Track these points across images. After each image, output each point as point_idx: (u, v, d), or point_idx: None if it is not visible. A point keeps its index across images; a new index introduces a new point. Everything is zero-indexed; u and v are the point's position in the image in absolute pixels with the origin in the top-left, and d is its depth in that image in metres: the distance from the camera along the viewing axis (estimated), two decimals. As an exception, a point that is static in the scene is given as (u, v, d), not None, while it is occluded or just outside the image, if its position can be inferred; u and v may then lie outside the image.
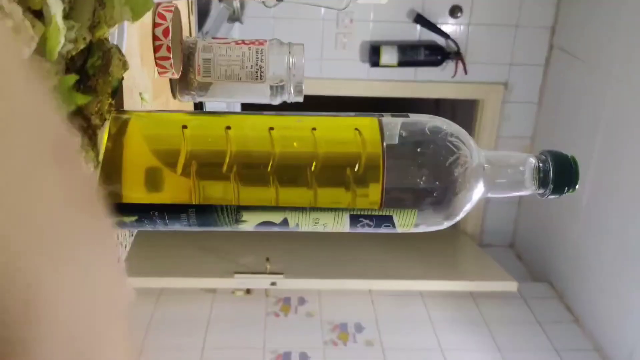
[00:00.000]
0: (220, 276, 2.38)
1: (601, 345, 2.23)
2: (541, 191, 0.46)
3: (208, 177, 0.42)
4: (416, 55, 2.55)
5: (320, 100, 1.82)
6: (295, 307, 2.39)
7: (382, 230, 0.45)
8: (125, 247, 0.61)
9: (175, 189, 0.42)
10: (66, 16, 0.32)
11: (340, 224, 0.44)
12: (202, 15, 1.38)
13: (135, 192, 0.42)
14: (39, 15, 0.29)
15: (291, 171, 0.42)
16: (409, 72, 2.63)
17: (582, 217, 2.41)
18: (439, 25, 2.56)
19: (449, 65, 2.60)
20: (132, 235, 0.63)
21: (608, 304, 2.22)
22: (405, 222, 0.44)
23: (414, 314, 2.42)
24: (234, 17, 1.82)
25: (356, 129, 0.44)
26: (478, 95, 2.74)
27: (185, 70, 0.69)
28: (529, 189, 0.46)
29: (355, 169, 0.42)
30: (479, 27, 2.59)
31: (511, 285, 2.47)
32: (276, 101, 0.72)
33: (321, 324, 2.32)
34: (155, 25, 0.62)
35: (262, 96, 0.71)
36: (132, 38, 0.54)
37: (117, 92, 0.40)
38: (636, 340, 2.02)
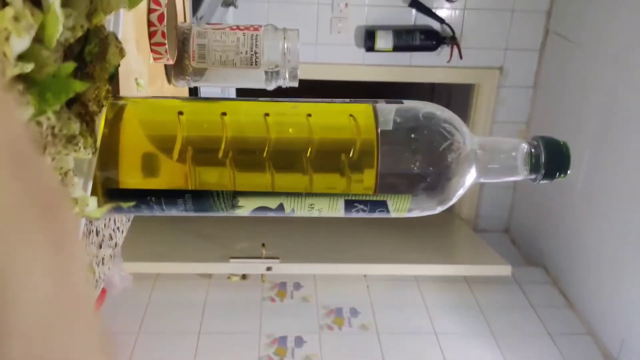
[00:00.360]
0: (216, 261, 2.39)
1: (594, 329, 2.25)
2: (533, 176, 0.46)
3: (204, 162, 0.43)
4: (411, 40, 2.55)
5: (315, 85, 1.82)
6: (291, 292, 2.41)
7: (377, 215, 0.45)
8: (122, 232, 0.61)
9: (172, 175, 0.43)
10: (64, 4, 0.32)
11: (335, 209, 0.45)
12: (197, 0, 1.37)
13: (132, 178, 0.43)
14: (37, 3, 0.30)
15: (286, 157, 0.43)
16: (404, 57, 2.62)
17: (577, 202, 2.43)
18: (434, 10, 2.56)
19: (445, 50, 2.60)
20: (128, 220, 0.64)
21: (602, 289, 2.24)
22: (399, 207, 0.45)
23: (408, 299, 2.44)
24: (228, 2, 1.81)
25: (351, 115, 0.44)
26: (473, 80, 2.74)
27: (180, 55, 0.69)
28: (521, 174, 0.47)
29: (350, 155, 0.43)
30: (475, 11, 2.59)
31: (505, 270, 2.49)
32: (271, 86, 0.72)
33: (317, 309, 2.33)
34: (150, 11, 0.62)
35: (257, 81, 0.71)
36: (127, 24, 0.55)
37: (114, 79, 0.40)
38: (629, 324, 2.04)
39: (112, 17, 0.42)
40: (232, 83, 0.72)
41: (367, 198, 0.44)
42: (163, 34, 0.62)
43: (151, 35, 0.62)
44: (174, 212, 0.45)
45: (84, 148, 0.36)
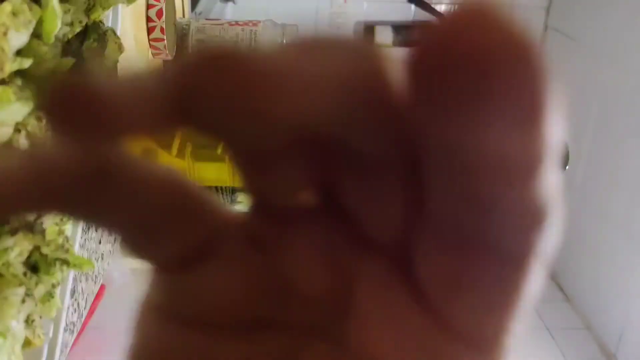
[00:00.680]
0: (215, 257, 2.39)
1: (592, 324, 2.26)
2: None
3: (202, 158, 0.43)
4: (411, 35, 2.54)
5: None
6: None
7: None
8: (121, 227, 0.61)
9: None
10: (62, 0, 0.32)
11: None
12: (196, -5, 1.37)
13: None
14: (35, -1, 0.30)
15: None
16: (403, 52, 2.62)
17: (575, 197, 2.43)
18: (433, 5, 2.55)
19: (443, 46, 2.60)
20: (127, 216, 0.64)
21: (599, 283, 2.24)
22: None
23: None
24: (228, -3, 1.80)
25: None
26: (472, 76, 2.74)
27: (179, 51, 0.69)
28: None
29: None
30: (474, 7, 2.59)
31: (504, 265, 2.49)
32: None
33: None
34: (148, 6, 0.62)
35: (256, 77, 0.71)
36: (125, 20, 0.54)
37: (112, 74, 0.40)
38: (627, 319, 2.05)
39: (110, 13, 0.42)
40: (231, 78, 0.72)
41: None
42: (162, 30, 0.62)
43: (150, 30, 0.62)
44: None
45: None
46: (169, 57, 0.65)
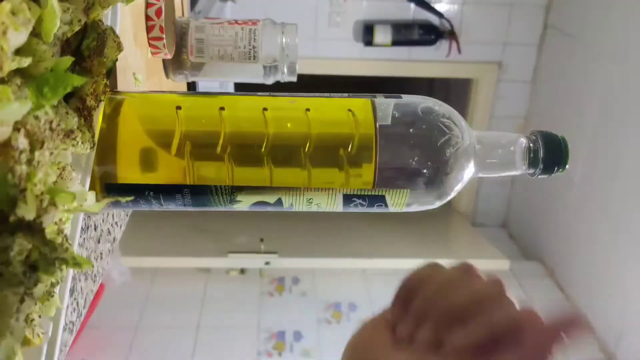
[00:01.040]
0: (214, 256, 2.39)
1: (592, 323, 2.26)
2: (531, 171, 0.46)
3: (202, 157, 0.43)
4: (410, 34, 2.54)
5: (313, 80, 1.82)
6: (290, 287, 2.41)
7: (375, 209, 0.45)
8: (121, 227, 0.61)
9: (170, 170, 0.43)
10: (61, -2, 0.32)
11: (334, 204, 0.45)
12: (195, -6, 1.37)
13: (130, 173, 0.43)
14: (34, -3, 0.30)
15: (285, 152, 0.43)
16: (403, 51, 2.62)
17: (574, 196, 2.43)
18: (433, 4, 2.55)
19: (443, 45, 2.59)
20: (127, 215, 0.64)
21: (599, 283, 2.25)
22: (398, 202, 0.45)
23: (407, 293, 2.44)
24: (227, -4, 1.80)
25: (349, 109, 0.44)
26: (472, 75, 2.74)
27: (178, 50, 0.69)
28: (519, 169, 0.47)
29: (349, 150, 0.43)
30: (473, 6, 2.58)
31: (503, 264, 2.50)
32: (269, 81, 0.72)
33: (315, 303, 2.34)
34: (147, 5, 0.62)
35: (256, 76, 0.71)
36: (125, 18, 0.54)
37: (111, 73, 0.40)
38: (626, 318, 2.05)
39: (109, 12, 0.42)
40: (231, 77, 0.72)
41: (366, 193, 0.44)
42: (161, 29, 0.62)
43: (149, 29, 0.62)
44: (172, 207, 0.45)
45: (82, 143, 0.36)
46: (168, 56, 0.65)
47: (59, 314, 0.37)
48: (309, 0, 2.53)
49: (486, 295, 0.31)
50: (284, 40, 0.70)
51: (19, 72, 0.30)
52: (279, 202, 0.44)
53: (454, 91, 3.11)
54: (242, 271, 2.45)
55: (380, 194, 0.44)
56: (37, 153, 0.30)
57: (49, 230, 0.31)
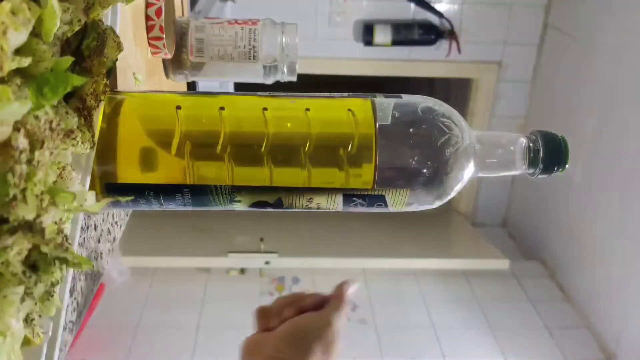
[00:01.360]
0: (214, 255, 2.39)
1: (592, 323, 2.26)
2: (531, 171, 0.46)
3: (202, 157, 0.43)
4: (410, 34, 2.54)
5: (313, 80, 1.82)
6: (290, 286, 2.41)
7: (375, 209, 0.45)
8: (121, 227, 0.61)
9: (170, 169, 0.43)
10: (61, -2, 0.32)
11: (334, 204, 0.45)
12: (195, -6, 1.37)
13: (130, 172, 0.43)
14: (34, -3, 0.30)
15: (285, 151, 0.43)
16: (402, 51, 2.62)
17: (574, 195, 2.43)
18: (433, 4, 2.55)
19: (443, 45, 2.60)
20: (127, 215, 0.64)
21: (599, 282, 2.25)
22: (398, 202, 0.45)
23: (406, 293, 2.45)
24: (227, -4, 1.80)
25: (349, 109, 0.44)
26: (472, 75, 2.74)
27: (178, 50, 0.69)
28: (519, 169, 0.47)
29: (349, 149, 0.43)
30: (473, 5, 2.58)
31: (503, 264, 2.50)
32: (269, 81, 0.72)
33: (315, 303, 2.33)
34: (147, 5, 0.62)
35: (255, 76, 0.71)
36: (125, 18, 0.54)
37: (111, 73, 0.40)
38: (626, 318, 2.05)
39: (109, 12, 0.42)
40: (230, 77, 0.72)
41: (366, 192, 0.44)
42: (161, 28, 0.62)
43: (149, 29, 0.62)
44: (172, 207, 0.45)
45: (82, 142, 0.36)
46: (168, 56, 0.65)
47: (59, 314, 0.37)
48: (309, 0, 2.53)
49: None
50: (284, 40, 0.70)
51: (19, 72, 0.30)
52: (279, 202, 0.44)
53: (454, 91, 3.11)
54: (242, 271, 2.45)
55: (380, 193, 0.44)
56: (37, 153, 0.30)
57: (49, 230, 0.31)
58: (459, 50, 2.58)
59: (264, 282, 2.40)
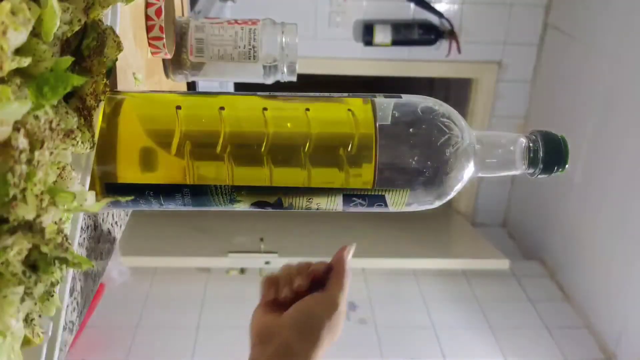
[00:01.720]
0: (214, 255, 2.39)
1: (592, 322, 2.26)
2: (531, 171, 0.46)
3: (202, 157, 0.43)
4: (410, 34, 2.54)
5: (313, 80, 1.82)
6: (290, 286, 2.41)
7: (375, 209, 0.45)
8: (121, 227, 0.61)
9: (170, 169, 0.43)
10: (61, -2, 0.32)
11: (334, 204, 0.45)
12: (195, -6, 1.37)
13: (130, 172, 0.43)
14: (34, -3, 0.30)
15: (285, 151, 0.43)
16: (402, 51, 2.62)
17: (574, 195, 2.43)
18: (432, 4, 2.55)
19: (443, 45, 2.60)
20: (127, 215, 0.64)
21: (599, 282, 2.25)
22: (397, 202, 0.45)
23: (407, 293, 2.45)
24: (227, -4, 1.80)
25: (349, 109, 0.44)
26: (472, 74, 2.74)
27: (178, 50, 0.69)
28: (519, 169, 0.47)
29: (349, 149, 0.43)
30: (473, 5, 2.59)
31: (503, 264, 2.50)
32: (269, 81, 0.72)
33: (315, 303, 2.33)
34: (147, 5, 0.62)
35: (255, 76, 0.71)
36: (124, 18, 0.54)
37: (111, 73, 0.40)
38: (626, 318, 2.05)
39: (109, 11, 0.42)
40: (230, 77, 0.72)
41: (366, 192, 0.44)
42: (161, 28, 0.62)
43: (149, 29, 0.62)
44: (172, 207, 0.45)
45: (82, 142, 0.36)
46: (168, 56, 0.65)
47: (59, 314, 0.37)
48: (309, 0, 2.53)
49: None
50: (283, 40, 0.70)
51: (18, 71, 0.30)
52: (279, 202, 0.44)
53: (454, 91, 3.11)
54: (242, 271, 2.45)
55: (380, 193, 0.44)
56: (37, 153, 0.30)
57: (49, 230, 0.31)
58: (459, 50, 2.58)
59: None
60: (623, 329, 2.06)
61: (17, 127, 0.29)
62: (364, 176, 0.43)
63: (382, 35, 2.53)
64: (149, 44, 0.63)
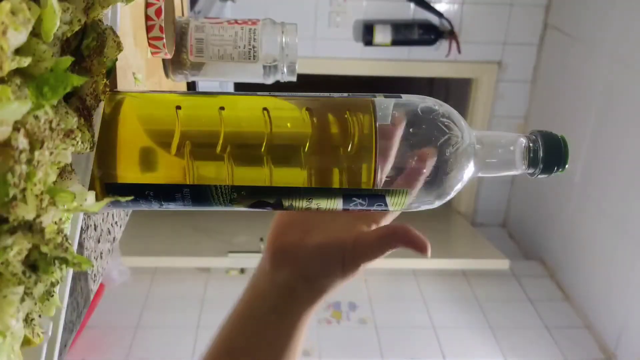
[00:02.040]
0: (214, 255, 2.39)
1: (592, 322, 2.26)
2: (531, 171, 0.46)
3: (202, 157, 0.43)
4: (410, 34, 2.54)
5: (313, 80, 1.82)
6: (290, 286, 2.41)
7: (375, 209, 0.45)
8: (121, 227, 0.61)
9: (170, 169, 0.43)
10: (61, -2, 0.32)
11: (334, 204, 0.45)
12: (195, -6, 1.37)
13: (130, 172, 0.43)
14: (34, -3, 0.30)
15: (285, 151, 0.43)
16: (402, 51, 2.62)
17: (574, 195, 2.43)
18: (432, 4, 2.56)
19: (443, 45, 2.60)
20: (127, 215, 0.64)
21: (598, 282, 2.25)
22: (397, 202, 0.45)
23: (407, 293, 2.45)
24: (227, -4, 1.80)
25: (349, 109, 0.44)
26: (472, 75, 2.74)
27: (178, 50, 0.69)
28: (519, 169, 0.47)
29: (348, 149, 0.43)
30: (473, 5, 2.59)
31: (503, 264, 2.50)
32: (269, 81, 0.72)
33: (315, 303, 2.33)
34: (147, 5, 0.62)
35: (255, 76, 0.71)
36: (124, 18, 0.55)
37: (111, 73, 0.40)
38: (626, 317, 2.05)
39: (109, 11, 0.42)
40: (230, 77, 0.72)
41: (366, 192, 0.44)
42: (161, 28, 0.62)
43: (149, 29, 0.62)
44: (172, 207, 0.45)
45: (82, 142, 0.36)
46: (168, 56, 0.65)
47: (59, 314, 0.37)
48: (309, 0, 2.53)
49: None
50: (283, 40, 0.70)
51: (18, 71, 0.30)
52: (279, 202, 0.44)
53: (453, 91, 3.11)
54: (242, 271, 2.45)
55: (380, 193, 0.44)
56: (37, 153, 0.30)
57: (49, 230, 0.31)
58: (459, 50, 2.58)
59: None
60: (623, 329, 2.06)
61: (17, 127, 0.29)
62: (364, 176, 0.43)
63: (382, 35, 2.53)
64: (149, 44, 0.63)
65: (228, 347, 0.54)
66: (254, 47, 0.69)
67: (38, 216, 0.30)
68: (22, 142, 0.29)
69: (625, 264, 2.07)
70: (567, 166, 0.46)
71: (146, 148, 0.42)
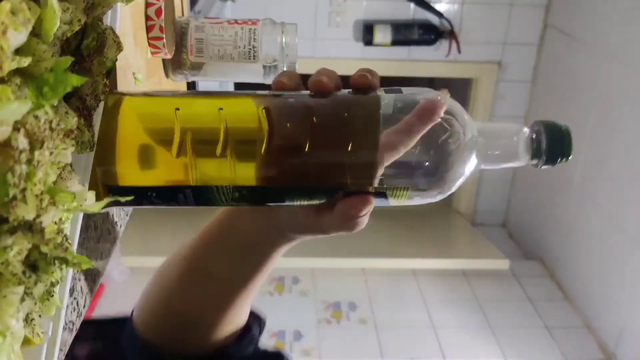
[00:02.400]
0: (214, 255, 2.39)
1: (591, 322, 2.26)
2: (535, 161, 0.46)
3: (202, 157, 0.43)
4: (410, 34, 2.54)
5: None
6: (289, 286, 2.41)
7: (376, 204, 0.45)
8: (121, 227, 0.61)
9: (170, 169, 0.43)
10: (61, -2, 0.32)
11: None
12: (195, -6, 1.37)
13: (130, 172, 0.43)
14: (34, -3, 0.30)
15: (285, 151, 0.43)
16: (402, 51, 2.62)
17: (574, 195, 2.43)
18: (432, 4, 2.56)
19: (443, 44, 2.60)
20: (127, 215, 0.64)
21: (599, 282, 2.25)
22: (399, 196, 0.45)
23: (406, 292, 2.45)
24: (227, -4, 1.80)
25: (350, 106, 0.44)
26: (472, 74, 2.74)
27: (178, 50, 0.69)
28: (522, 160, 0.46)
29: (349, 145, 0.43)
30: (473, 5, 2.59)
31: (503, 263, 2.50)
32: (269, 81, 0.72)
33: (315, 303, 2.34)
34: (147, 5, 0.62)
35: (255, 76, 0.71)
36: (124, 18, 0.54)
37: (111, 73, 0.40)
38: (626, 317, 2.05)
39: (109, 12, 0.42)
40: (230, 77, 0.72)
41: (367, 189, 0.44)
42: (161, 28, 0.62)
43: (149, 29, 0.62)
44: (173, 206, 0.45)
45: (82, 142, 0.36)
46: (168, 56, 0.65)
47: (59, 314, 0.37)
48: (309, 0, 2.53)
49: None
50: (283, 40, 0.70)
51: (18, 71, 0.30)
52: (280, 201, 0.44)
53: (454, 91, 3.11)
54: (242, 271, 2.45)
55: (381, 190, 0.44)
56: (37, 153, 0.30)
57: (49, 230, 0.31)
58: (459, 50, 2.59)
59: (264, 282, 2.40)
60: (623, 329, 2.06)
61: (17, 127, 0.29)
62: (365, 173, 0.43)
63: (382, 35, 2.53)
64: (149, 44, 0.63)
65: (193, 262, 0.60)
66: (254, 47, 0.69)
67: (38, 216, 0.30)
68: (22, 142, 0.29)
69: (625, 264, 2.07)
70: (571, 156, 0.45)
71: (146, 148, 0.42)
